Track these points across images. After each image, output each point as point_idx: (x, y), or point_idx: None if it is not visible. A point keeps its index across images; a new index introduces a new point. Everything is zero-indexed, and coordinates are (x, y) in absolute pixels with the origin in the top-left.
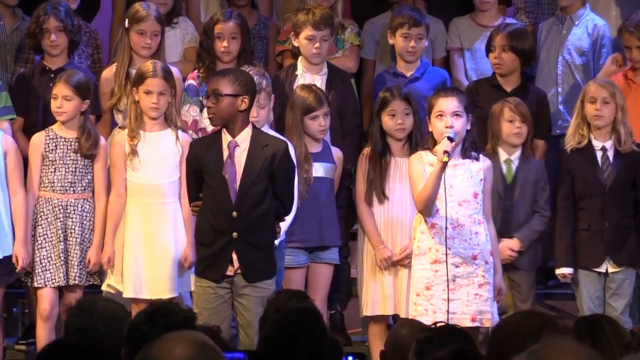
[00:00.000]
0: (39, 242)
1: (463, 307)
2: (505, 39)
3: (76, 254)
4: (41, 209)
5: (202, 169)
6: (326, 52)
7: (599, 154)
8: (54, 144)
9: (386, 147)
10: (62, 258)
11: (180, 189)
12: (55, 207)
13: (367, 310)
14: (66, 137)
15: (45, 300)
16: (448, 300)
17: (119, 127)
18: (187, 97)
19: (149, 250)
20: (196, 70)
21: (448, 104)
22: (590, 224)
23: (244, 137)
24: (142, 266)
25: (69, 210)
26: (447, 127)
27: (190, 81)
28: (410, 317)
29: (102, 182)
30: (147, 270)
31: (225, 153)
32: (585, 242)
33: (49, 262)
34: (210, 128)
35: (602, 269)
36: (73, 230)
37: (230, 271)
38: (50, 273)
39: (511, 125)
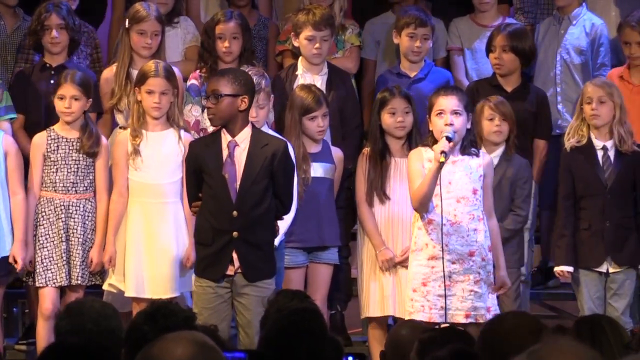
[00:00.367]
0: (41, 242)
1: (458, 303)
2: (505, 39)
3: (78, 254)
4: (43, 209)
5: (201, 169)
6: (326, 52)
7: (599, 154)
8: (55, 144)
9: (385, 147)
10: (64, 258)
11: (182, 188)
12: (57, 207)
13: (368, 311)
14: (68, 137)
15: (47, 299)
16: (445, 296)
17: (120, 127)
18: (189, 97)
19: (151, 249)
20: (198, 70)
21: (448, 103)
22: (590, 223)
23: (244, 137)
24: (144, 266)
25: (70, 211)
26: (446, 125)
27: (193, 81)
28: (406, 313)
29: (104, 182)
30: (148, 269)
31: (225, 153)
32: (586, 241)
33: (50, 261)
34: (211, 128)
35: (602, 269)
36: (75, 230)
37: (230, 271)
38: (52, 273)
39: (491, 123)
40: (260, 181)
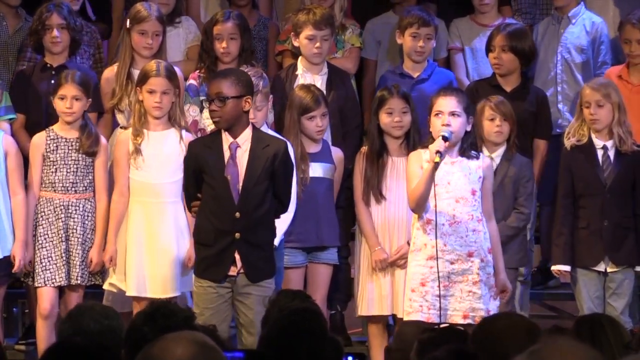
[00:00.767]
0: (40, 242)
1: (456, 304)
2: (504, 39)
3: (78, 253)
4: (42, 209)
5: (202, 170)
6: (327, 52)
7: (599, 153)
8: (55, 144)
9: (383, 146)
10: (64, 258)
11: None
12: (56, 207)
13: (363, 309)
14: (67, 137)
15: (46, 299)
16: (443, 296)
17: (121, 127)
18: (187, 97)
19: (152, 249)
20: (197, 70)
21: (446, 103)
22: (589, 222)
23: (245, 138)
24: (145, 265)
25: (70, 210)
26: (443, 125)
27: (191, 81)
28: (404, 313)
29: (103, 182)
30: (149, 269)
31: (227, 154)
32: (584, 240)
33: (49, 261)
34: (209, 128)
35: (600, 268)
36: (75, 230)
37: (232, 271)
38: (51, 273)
39: (491, 123)
40: (262, 182)
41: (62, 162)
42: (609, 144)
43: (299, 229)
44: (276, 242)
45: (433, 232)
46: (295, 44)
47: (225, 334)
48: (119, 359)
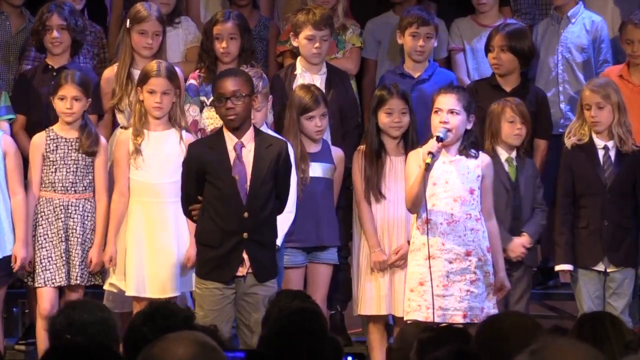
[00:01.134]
0: (40, 242)
1: (455, 303)
2: (503, 39)
3: (78, 254)
4: (42, 209)
5: (205, 171)
6: (326, 52)
7: (600, 153)
8: (54, 144)
9: (381, 146)
10: (64, 258)
11: None
12: (56, 207)
13: (361, 309)
14: (67, 137)
15: (46, 299)
16: (440, 296)
17: (121, 127)
18: (187, 96)
19: (152, 249)
20: (197, 70)
21: (445, 101)
22: (589, 222)
23: (249, 138)
24: (145, 265)
25: (70, 210)
26: (440, 123)
27: (191, 81)
28: (404, 313)
29: (103, 182)
30: (149, 269)
31: (232, 154)
32: (584, 240)
33: (49, 262)
34: (209, 128)
35: (600, 268)
36: (74, 230)
37: (240, 272)
38: (51, 273)
39: (512, 125)
40: (268, 182)
41: (62, 162)
42: (610, 144)
43: (299, 229)
44: (278, 242)
45: (431, 231)
46: (295, 44)
47: (227, 334)
48: (119, 358)
